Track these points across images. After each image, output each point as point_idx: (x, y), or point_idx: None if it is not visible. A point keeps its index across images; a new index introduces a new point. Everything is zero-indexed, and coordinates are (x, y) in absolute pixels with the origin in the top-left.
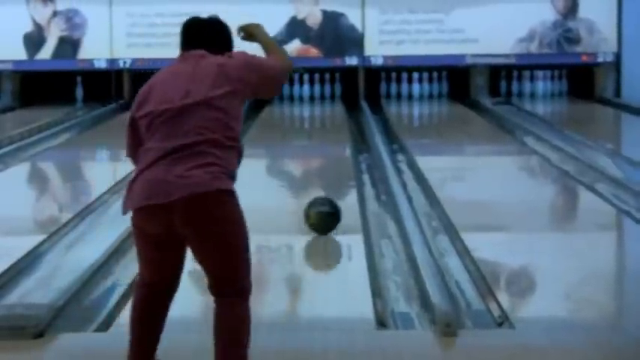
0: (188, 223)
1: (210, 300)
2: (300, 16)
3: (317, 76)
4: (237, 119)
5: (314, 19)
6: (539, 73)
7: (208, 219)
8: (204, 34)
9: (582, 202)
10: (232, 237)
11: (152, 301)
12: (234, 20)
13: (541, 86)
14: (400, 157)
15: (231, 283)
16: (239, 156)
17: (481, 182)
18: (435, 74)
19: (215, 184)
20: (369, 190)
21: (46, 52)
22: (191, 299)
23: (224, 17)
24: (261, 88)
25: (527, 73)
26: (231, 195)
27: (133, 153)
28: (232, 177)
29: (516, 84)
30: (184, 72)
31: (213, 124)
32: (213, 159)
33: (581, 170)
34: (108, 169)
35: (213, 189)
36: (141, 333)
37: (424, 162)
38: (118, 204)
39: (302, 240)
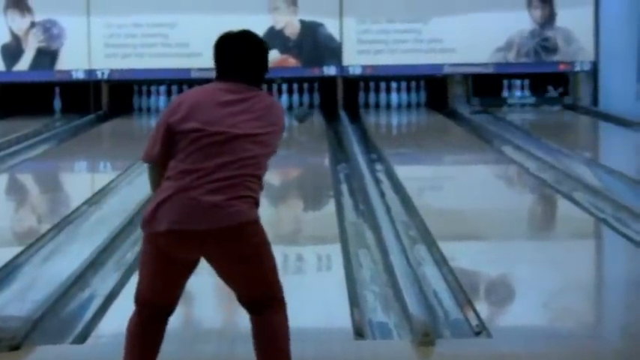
0: (226, 251)
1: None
2: (278, 26)
3: (295, 85)
4: (267, 161)
5: (292, 29)
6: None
7: (246, 246)
8: (254, 68)
9: (560, 211)
10: (266, 259)
11: (155, 323)
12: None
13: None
14: (378, 166)
15: (270, 299)
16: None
17: (459, 191)
18: (413, 84)
19: (251, 214)
20: (347, 200)
21: (23, 64)
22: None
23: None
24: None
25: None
26: (259, 223)
27: (158, 160)
28: (258, 206)
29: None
30: (237, 103)
31: (252, 160)
32: (249, 191)
33: (559, 179)
34: (86, 180)
35: (250, 219)
36: (142, 356)
37: (402, 171)
38: (96, 215)
39: (279, 249)
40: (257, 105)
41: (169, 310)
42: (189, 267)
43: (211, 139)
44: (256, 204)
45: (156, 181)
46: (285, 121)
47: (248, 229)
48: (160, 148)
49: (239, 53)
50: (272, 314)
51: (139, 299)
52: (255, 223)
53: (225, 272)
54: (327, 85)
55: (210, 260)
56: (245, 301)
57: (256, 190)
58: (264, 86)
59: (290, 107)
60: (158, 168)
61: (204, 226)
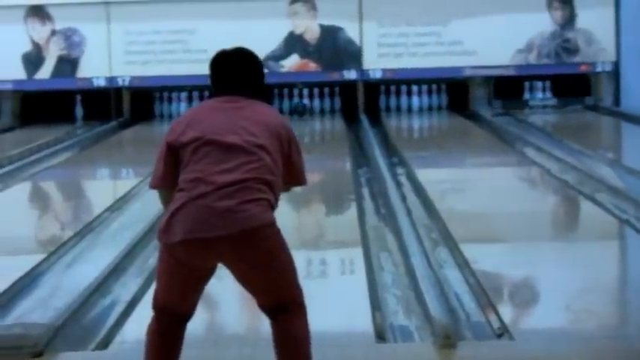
0: (244, 256)
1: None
2: (297, 31)
3: (316, 90)
4: (279, 171)
5: (312, 33)
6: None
7: (263, 250)
8: (248, 80)
9: (582, 212)
10: (285, 263)
11: (173, 329)
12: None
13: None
14: (400, 170)
15: (289, 304)
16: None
17: (481, 194)
18: (433, 87)
19: (267, 217)
20: (368, 204)
21: (45, 72)
22: None
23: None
24: (287, 168)
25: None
26: (275, 226)
27: (166, 182)
28: (274, 209)
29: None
30: (234, 112)
31: (256, 164)
32: (261, 194)
33: (581, 180)
34: (108, 187)
35: (266, 222)
36: None
37: (423, 174)
38: (117, 222)
39: (302, 254)
40: (255, 111)
41: (187, 316)
42: (206, 274)
43: (213, 146)
44: (271, 207)
45: (167, 204)
46: (289, 128)
47: (263, 233)
48: (164, 169)
49: (233, 68)
50: (292, 319)
51: (157, 306)
52: (271, 225)
53: (243, 277)
54: (347, 89)
55: (227, 266)
56: (264, 306)
57: (269, 192)
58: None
59: (311, 112)
60: (167, 190)
61: (218, 232)
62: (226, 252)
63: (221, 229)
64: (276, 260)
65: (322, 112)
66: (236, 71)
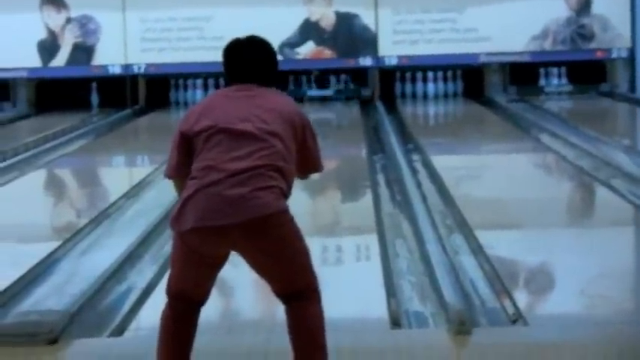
0: (256, 243)
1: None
2: (313, 18)
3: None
4: (292, 159)
5: (327, 20)
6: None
7: (277, 237)
8: (261, 68)
9: (598, 199)
10: (299, 250)
11: (186, 315)
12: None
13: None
14: (415, 156)
15: (304, 290)
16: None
17: (496, 180)
18: (449, 73)
19: (279, 204)
20: (383, 191)
21: (60, 59)
22: None
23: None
24: (302, 154)
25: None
26: (289, 213)
27: (180, 172)
28: (287, 197)
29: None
30: (247, 100)
31: (268, 150)
32: (273, 181)
33: (597, 166)
34: (123, 174)
35: (278, 210)
36: (176, 349)
37: (439, 161)
38: (133, 209)
39: (317, 240)
40: (268, 99)
41: (201, 302)
42: (219, 261)
43: (225, 134)
44: (284, 194)
45: (182, 193)
46: (303, 115)
47: (275, 220)
48: (177, 158)
49: (246, 56)
50: (307, 305)
51: (171, 292)
52: (284, 213)
53: (258, 265)
54: (362, 75)
55: (241, 253)
56: (279, 292)
57: (282, 180)
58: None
59: (326, 97)
60: (181, 179)
61: (230, 220)
62: (239, 240)
63: (233, 217)
64: (290, 247)
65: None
66: (249, 60)
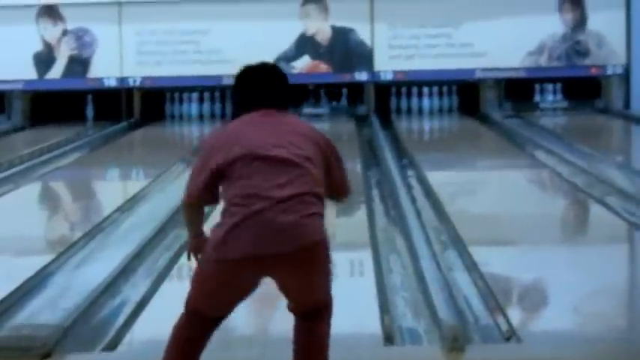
0: (299, 269)
1: None
2: (309, 32)
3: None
4: (323, 182)
5: (323, 34)
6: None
7: (317, 263)
8: (281, 94)
9: (592, 216)
10: (328, 274)
11: (203, 331)
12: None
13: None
14: (410, 172)
15: (324, 309)
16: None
17: (491, 196)
18: (444, 88)
19: (323, 230)
20: (378, 206)
21: (56, 72)
22: None
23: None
24: (331, 179)
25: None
26: (327, 237)
27: (202, 198)
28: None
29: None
30: (275, 126)
31: (307, 177)
32: (316, 208)
33: (591, 183)
34: (118, 187)
35: (324, 235)
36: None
37: (434, 177)
38: (127, 223)
39: None
40: (294, 124)
41: (221, 320)
42: (254, 287)
43: (262, 161)
44: (323, 221)
45: (193, 221)
46: (327, 138)
47: (322, 246)
48: (203, 184)
49: (264, 82)
50: (321, 323)
51: (191, 309)
52: (327, 238)
53: (292, 286)
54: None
55: (277, 277)
56: (299, 310)
57: (320, 205)
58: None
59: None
60: (199, 206)
61: (282, 248)
62: (284, 266)
63: (285, 245)
64: (324, 271)
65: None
66: (267, 85)
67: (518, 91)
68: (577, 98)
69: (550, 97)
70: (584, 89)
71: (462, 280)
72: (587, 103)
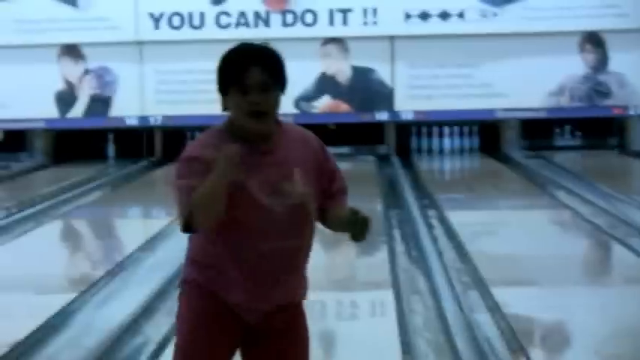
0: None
1: None
2: (329, 72)
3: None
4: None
5: (344, 74)
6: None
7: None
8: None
9: (614, 257)
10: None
11: None
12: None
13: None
14: (431, 212)
15: None
16: None
17: (512, 237)
18: (465, 128)
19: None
20: (399, 245)
21: (77, 110)
22: None
23: None
24: (328, 176)
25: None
26: None
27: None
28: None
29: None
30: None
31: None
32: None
33: (613, 224)
34: (139, 226)
35: (305, 297)
36: None
37: (455, 217)
38: (148, 261)
39: (332, 295)
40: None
41: None
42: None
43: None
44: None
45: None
46: (320, 144)
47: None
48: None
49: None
50: None
51: None
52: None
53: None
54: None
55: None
56: None
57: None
58: None
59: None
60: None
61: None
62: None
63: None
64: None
65: (354, 151)
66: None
67: (538, 130)
68: (597, 138)
69: (569, 137)
70: (603, 129)
71: (484, 321)
72: (605, 143)
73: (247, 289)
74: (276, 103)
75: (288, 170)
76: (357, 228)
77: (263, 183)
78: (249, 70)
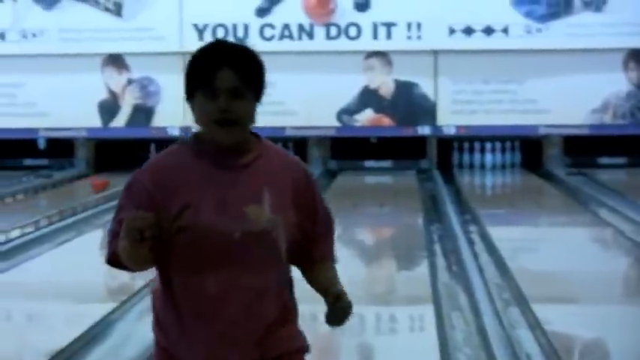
0: None
1: None
2: (372, 86)
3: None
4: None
5: (387, 88)
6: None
7: None
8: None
9: None
10: None
11: None
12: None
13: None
14: (472, 227)
15: None
16: None
17: (553, 253)
18: (507, 144)
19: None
20: (440, 261)
21: (120, 120)
22: None
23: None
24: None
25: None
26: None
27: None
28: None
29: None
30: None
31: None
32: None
33: None
34: None
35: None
36: None
37: (496, 232)
38: None
39: (371, 309)
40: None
41: None
42: None
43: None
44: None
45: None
46: (304, 170)
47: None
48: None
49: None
50: None
51: None
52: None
53: None
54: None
55: None
56: None
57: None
58: None
59: (384, 167)
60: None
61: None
62: None
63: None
64: None
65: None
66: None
67: (581, 147)
68: (638, 156)
69: (612, 154)
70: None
71: (525, 337)
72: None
73: (208, 345)
74: (248, 113)
75: (257, 192)
76: (334, 317)
77: (221, 203)
78: (220, 72)
